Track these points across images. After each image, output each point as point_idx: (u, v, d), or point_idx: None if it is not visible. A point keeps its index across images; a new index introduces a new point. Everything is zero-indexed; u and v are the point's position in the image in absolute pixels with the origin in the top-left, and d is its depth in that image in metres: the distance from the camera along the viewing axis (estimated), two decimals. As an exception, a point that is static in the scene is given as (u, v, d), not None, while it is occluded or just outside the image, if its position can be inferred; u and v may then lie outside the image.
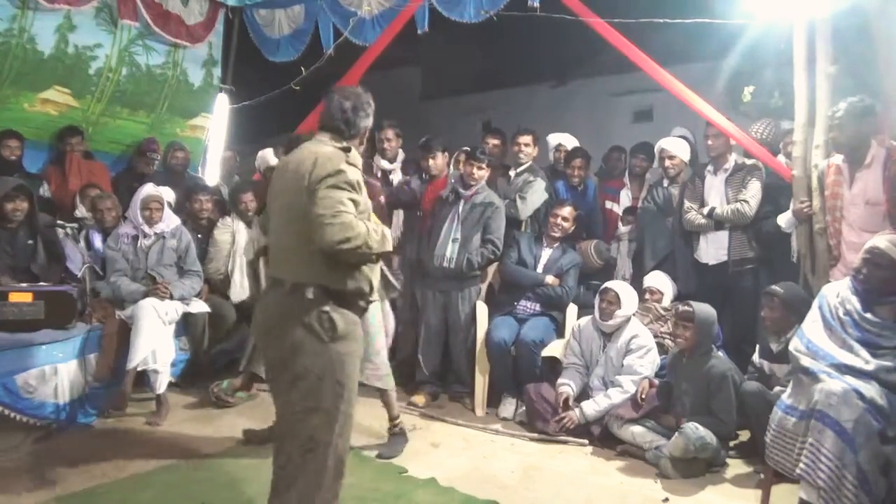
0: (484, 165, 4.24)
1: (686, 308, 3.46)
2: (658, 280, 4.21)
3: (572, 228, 4.36)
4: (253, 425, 3.51)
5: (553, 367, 4.14)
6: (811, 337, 2.71)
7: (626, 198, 5.00)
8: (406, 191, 4.57)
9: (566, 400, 3.71)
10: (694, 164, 4.52)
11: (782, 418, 2.66)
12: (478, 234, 4.24)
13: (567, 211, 4.32)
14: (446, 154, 4.64)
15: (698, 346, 3.39)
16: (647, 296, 4.16)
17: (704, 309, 3.44)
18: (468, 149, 4.49)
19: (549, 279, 4.24)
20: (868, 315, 2.61)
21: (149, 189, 4.22)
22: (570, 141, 5.06)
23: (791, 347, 2.75)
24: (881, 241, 2.66)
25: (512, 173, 4.75)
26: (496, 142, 4.93)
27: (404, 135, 5.05)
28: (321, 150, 2.16)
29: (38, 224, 3.99)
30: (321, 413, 2.04)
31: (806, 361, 2.63)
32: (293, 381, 2.05)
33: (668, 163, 4.43)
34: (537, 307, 4.24)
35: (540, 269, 4.31)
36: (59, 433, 3.45)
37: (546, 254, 4.35)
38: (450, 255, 4.21)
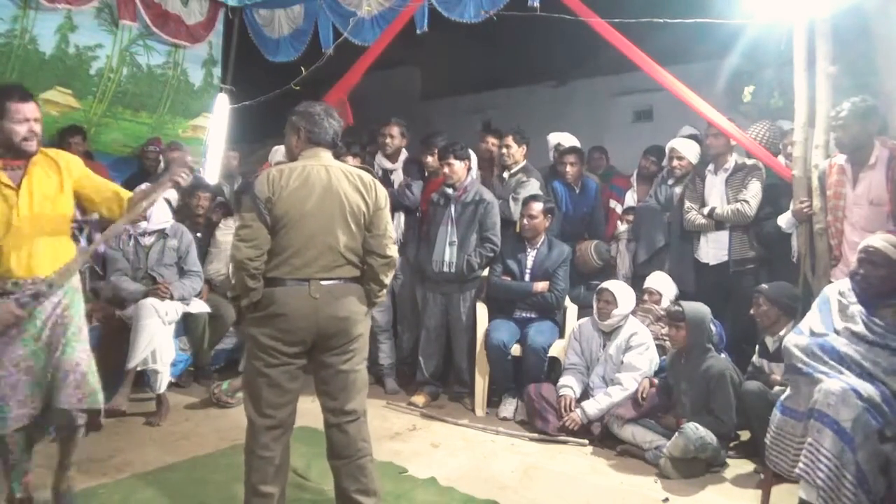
0: (453, 159, 4.19)
1: (676, 308, 3.48)
2: (658, 281, 4.18)
3: (546, 224, 4.25)
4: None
5: (553, 367, 4.14)
6: (808, 326, 2.72)
7: (630, 199, 4.99)
8: (409, 196, 4.57)
9: (568, 402, 3.71)
10: (700, 164, 4.51)
11: (781, 420, 2.67)
12: (474, 233, 4.22)
13: (535, 208, 4.20)
14: None
15: (693, 346, 3.39)
16: (646, 297, 4.14)
17: (695, 308, 3.45)
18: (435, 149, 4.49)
19: (538, 287, 4.16)
20: (875, 318, 2.60)
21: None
22: (569, 140, 5.04)
23: (786, 342, 2.74)
24: (876, 239, 2.65)
25: (506, 174, 4.73)
26: (494, 140, 4.92)
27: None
28: (354, 169, 2.51)
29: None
30: (364, 364, 2.53)
31: (800, 361, 2.62)
32: (355, 342, 2.44)
33: (675, 163, 4.42)
34: (533, 314, 4.22)
35: (527, 274, 4.23)
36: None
37: (531, 256, 4.26)
38: (448, 259, 4.20)
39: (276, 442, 2.38)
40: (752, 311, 3.41)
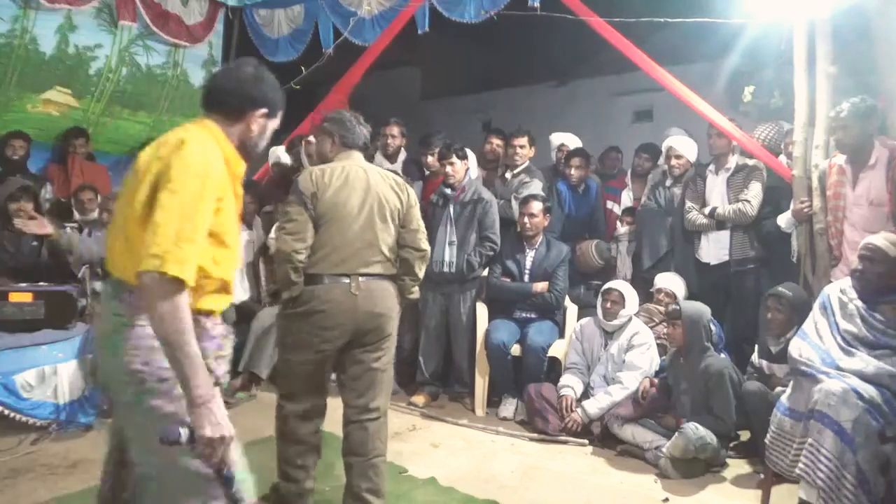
0: (455, 158, 4.20)
1: (674, 307, 3.48)
2: (669, 281, 4.15)
3: (545, 223, 4.25)
4: (253, 425, 3.50)
5: (553, 367, 4.14)
6: (812, 338, 2.72)
7: (627, 198, 4.99)
8: None
9: (569, 403, 3.71)
10: (700, 164, 4.51)
11: (781, 420, 2.67)
12: (473, 233, 4.22)
13: (535, 206, 4.19)
14: None
15: (692, 345, 3.39)
16: (662, 297, 4.10)
17: (692, 306, 3.45)
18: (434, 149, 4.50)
19: (537, 287, 4.16)
20: (875, 314, 2.62)
21: None
22: (573, 141, 5.03)
23: (791, 349, 2.75)
24: (877, 237, 2.68)
25: (508, 175, 4.72)
26: (499, 142, 4.92)
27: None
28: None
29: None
30: (391, 364, 2.64)
31: (804, 364, 2.63)
32: (386, 340, 2.54)
33: (674, 161, 4.39)
34: (533, 314, 4.21)
35: (527, 274, 4.23)
36: (59, 433, 3.45)
37: (530, 256, 4.25)
38: (448, 259, 4.20)
39: (309, 423, 2.52)
40: (768, 315, 3.31)
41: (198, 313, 1.59)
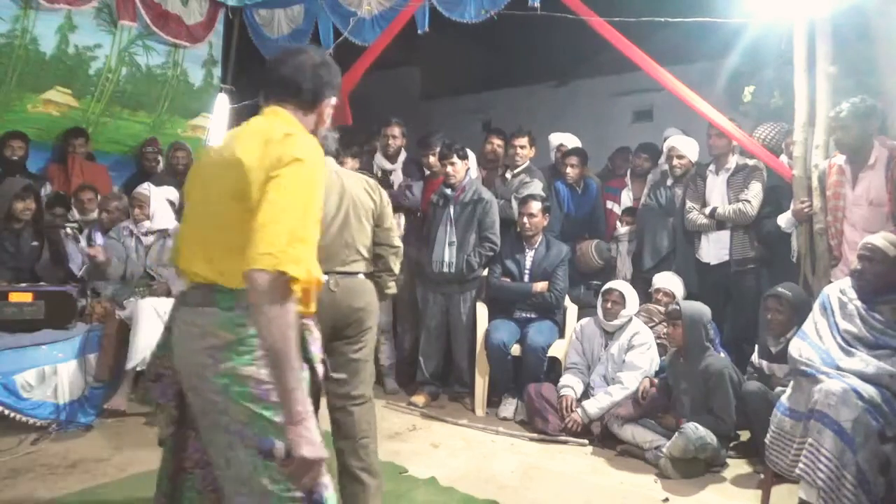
0: (456, 158, 4.21)
1: (674, 307, 3.48)
2: (668, 281, 4.15)
3: (545, 222, 4.26)
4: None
5: (553, 367, 4.14)
6: (812, 338, 2.72)
7: (626, 198, 5.00)
8: (409, 197, 4.57)
9: (569, 403, 3.71)
10: (701, 164, 4.51)
11: (781, 420, 2.68)
12: (473, 233, 4.22)
13: (534, 206, 4.19)
14: None
15: (691, 345, 3.39)
16: (661, 297, 4.10)
17: (692, 307, 3.45)
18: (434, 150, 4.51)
19: (537, 287, 4.16)
20: (875, 314, 2.62)
21: (139, 187, 4.26)
22: (572, 141, 5.03)
23: (791, 349, 2.75)
24: (876, 237, 2.70)
25: (509, 174, 4.72)
26: (499, 142, 4.92)
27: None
28: (358, 174, 2.81)
29: (43, 225, 4.03)
30: (371, 358, 2.71)
31: (804, 364, 2.63)
32: (367, 333, 2.61)
33: (675, 161, 4.38)
34: (533, 314, 4.21)
35: (527, 274, 4.23)
36: (59, 433, 3.45)
37: (529, 256, 4.25)
38: (448, 259, 4.20)
39: None
40: (768, 316, 3.29)
41: (308, 316, 1.53)
